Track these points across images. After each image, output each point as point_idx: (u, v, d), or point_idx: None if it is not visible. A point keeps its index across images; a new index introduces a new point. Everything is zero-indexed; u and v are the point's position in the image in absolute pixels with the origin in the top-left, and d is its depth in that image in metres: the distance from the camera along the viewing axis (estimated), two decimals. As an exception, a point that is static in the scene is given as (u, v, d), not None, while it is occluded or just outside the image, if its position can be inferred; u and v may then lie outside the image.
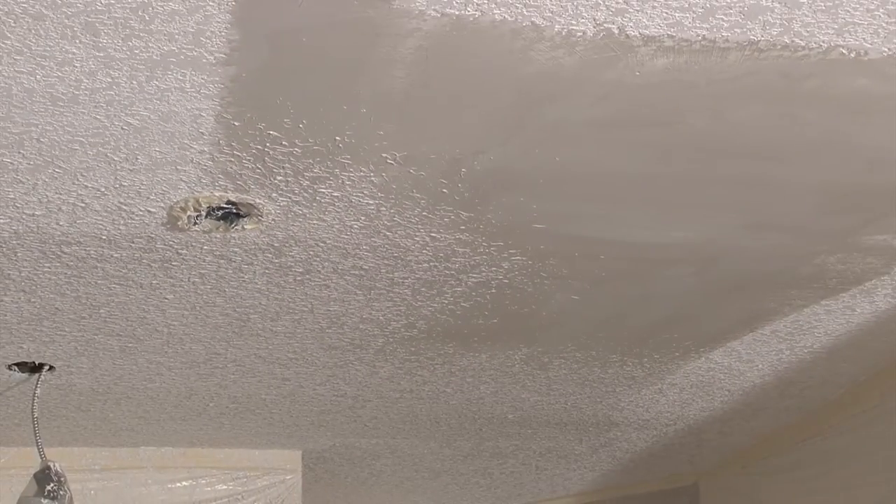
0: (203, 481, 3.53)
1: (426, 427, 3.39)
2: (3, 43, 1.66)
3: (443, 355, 2.92)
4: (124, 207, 2.11)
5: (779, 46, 1.75)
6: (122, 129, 1.88)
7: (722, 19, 1.69)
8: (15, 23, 1.61)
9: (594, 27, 1.68)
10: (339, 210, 2.16)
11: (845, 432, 3.28)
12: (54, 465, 2.91)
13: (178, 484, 3.51)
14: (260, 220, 2.18)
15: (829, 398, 3.34)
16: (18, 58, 1.69)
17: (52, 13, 1.60)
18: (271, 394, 3.09)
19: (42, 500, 2.87)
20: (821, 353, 3.01)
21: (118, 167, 1.99)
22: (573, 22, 1.67)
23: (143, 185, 2.04)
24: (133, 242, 2.24)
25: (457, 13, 1.63)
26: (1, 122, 1.84)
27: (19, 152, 1.93)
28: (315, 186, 2.08)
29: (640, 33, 1.70)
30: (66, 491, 2.90)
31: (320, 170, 2.03)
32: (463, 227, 2.27)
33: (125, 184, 2.04)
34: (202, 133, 1.90)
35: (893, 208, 2.27)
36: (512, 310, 2.68)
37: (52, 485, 2.89)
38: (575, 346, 2.90)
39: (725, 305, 2.71)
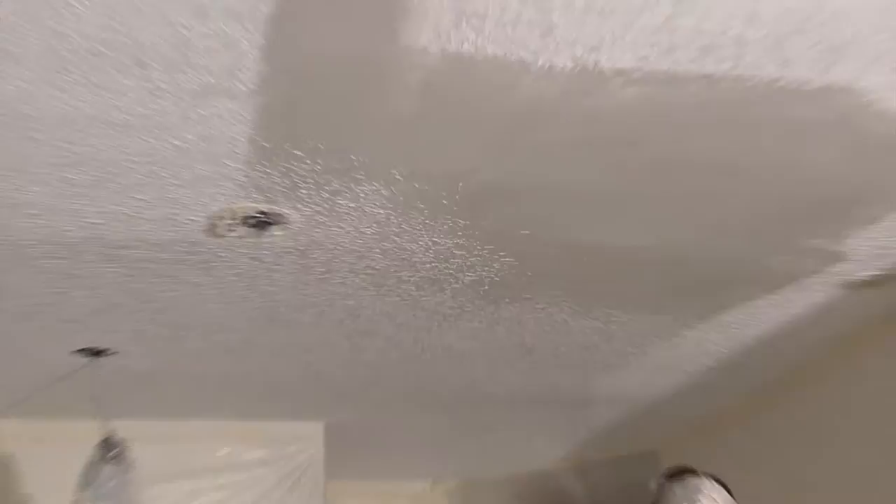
0: (241, 448, 3.57)
1: (429, 404, 3.43)
2: (68, 76, 1.65)
3: (443, 343, 2.92)
4: (171, 217, 2.11)
5: (731, 78, 1.74)
6: (169, 150, 1.87)
7: (682, 55, 1.68)
8: (77, 59, 1.60)
9: (573, 61, 1.67)
10: (354, 219, 2.16)
11: (785, 409, 3.30)
12: (116, 435, 2.92)
13: (221, 451, 3.55)
14: (287, 227, 2.17)
15: (771, 379, 3.37)
16: (81, 89, 1.68)
17: (107, 50, 1.59)
18: (298, 375, 3.11)
19: (106, 465, 2.89)
20: (764, 340, 3.02)
21: (166, 182, 1.98)
22: (555, 57, 1.66)
23: (187, 197, 2.04)
24: (179, 246, 2.24)
25: (455, 50, 1.62)
26: (66, 144, 1.83)
27: (82, 170, 1.92)
28: (334, 199, 2.07)
29: (612, 67, 1.69)
30: (127, 457, 2.92)
31: (338, 184, 2.02)
32: (460, 233, 2.26)
33: (172, 196, 2.03)
34: (237, 153, 1.89)
35: (827, 218, 2.28)
36: (502, 304, 2.68)
37: (114, 451, 2.91)
38: (557, 335, 2.90)
39: (686, 301, 2.72)
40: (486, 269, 2.45)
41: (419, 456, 4.08)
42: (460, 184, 2.05)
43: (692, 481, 2.14)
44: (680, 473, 2.19)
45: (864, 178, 2.10)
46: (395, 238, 2.25)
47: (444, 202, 2.11)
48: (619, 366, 3.17)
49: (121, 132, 1.79)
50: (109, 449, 2.92)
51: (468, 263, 2.41)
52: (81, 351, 2.80)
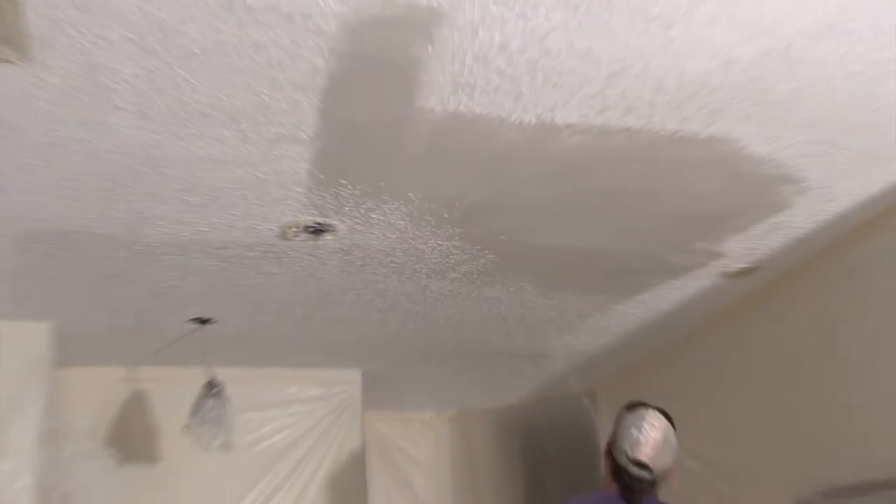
0: (304, 387, 3.53)
1: (435, 357, 3.41)
2: (186, 129, 1.65)
3: (445, 314, 2.90)
4: (254, 226, 2.11)
5: (645, 131, 1.74)
6: (253, 179, 1.87)
7: (611, 114, 1.68)
8: (192, 117, 1.62)
9: (535, 118, 1.67)
10: (383, 228, 2.15)
11: (683, 360, 3.28)
12: (216, 378, 2.92)
13: (289, 389, 3.51)
14: (335, 233, 2.17)
15: (673, 339, 3.33)
16: (194, 138, 1.69)
17: (213, 111, 1.60)
18: (342, 337, 3.09)
19: (209, 399, 2.88)
20: (668, 312, 3.00)
21: (252, 202, 1.98)
22: (523, 115, 1.67)
23: (266, 213, 2.04)
24: (260, 247, 2.23)
25: (453, 110, 1.63)
26: (184, 176, 1.83)
27: (194, 194, 1.92)
28: (368, 213, 2.07)
29: (563, 122, 1.70)
30: (225, 394, 2.91)
31: (371, 203, 2.02)
32: (456, 238, 2.25)
33: (255, 212, 2.03)
34: (300, 181, 1.89)
35: (711, 227, 2.26)
36: (486, 288, 2.67)
37: (216, 389, 2.90)
38: (524, 309, 2.88)
39: (614, 285, 2.70)
40: (475, 263, 2.44)
41: (427, 393, 4.06)
42: (456, 203, 2.04)
43: (640, 411, 1.99)
44: (634, 406, 2.04)
45: (736, 200, 2.09)
46: (411, 241, 2.25)
47: (446, 216, 2.11)
48: (568, 330, 3.15)
49: (221, 167, 1.80)
50: (212, 388, 2.91)
51: (462, 259, 2.40)
52: (193, 320, 2.79)
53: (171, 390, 3.14)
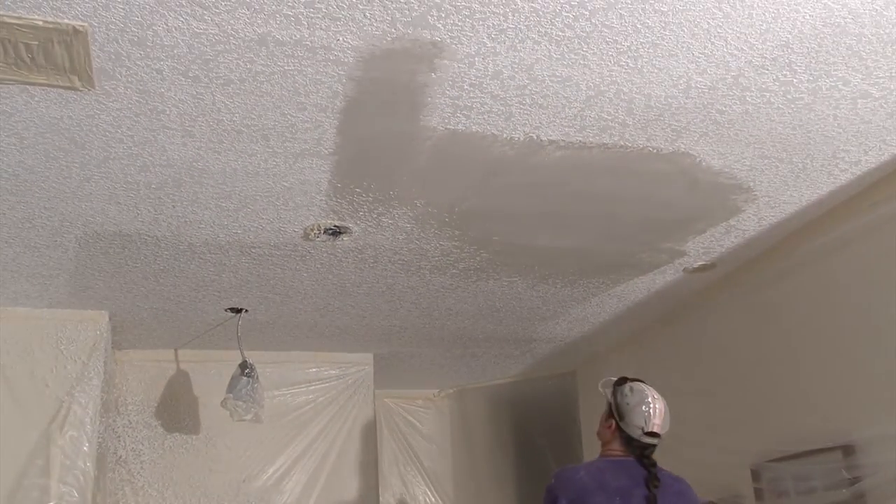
0: (323, 368, 3.49)
1: (437, 342, 3.39)
2: (222, 145, 1.67)
3: (445, 305, 2.90)
4: (281, 228, 2.12)
5: (618, 146, 1.76)
6: (281, 188, 1.88)
7: (589, 132, 1.70)
8: (228, 135, 1.63)
9: (524, 135, 1.69)
10: (392, 230, 2.16)
11: (651, 344, 3.28)
12: (249, 360, 2.91)
13: (311, 369, 3.48)
14: (351, 235, 2.18)
15: (642, 326, 3.32)
16: (229, 153, 1.70)
17: (246, 129, 1.62)
18: (357, 325, 3.08)
19: (243, 378, 2.86)
20: (638, 302, 2.99)
21: (279, 208, 1.99)
22: (513, 132, 1.68)
23: (291, 217, 2.05)
24: (286, 246, 2.24)
25: (452, 127, 1.64)
26: (221, 185, 1.85)
27: (230, 200, 1.94)
28: (379, 218, 2.08)
29: (547, 138, 1.71)
30: (256, 373, 2.90)
31: (382, 209, 2.03)
32: (455, 240, 2.26)
33: (282, 216, 2.04)
34: (321, 189, 1.90)
35: (674, 230, 2.27)
36: (481, 282, 2.67)
37: (248, 370, 2.88)
38: (514, 300, 2.88)
39: (592, 280, 2.70)
40: (471, 260, 2.44)
41: (430, 373, 4.05)
42: (455, 208, 2.05)
43: (637, 387, 1.91)
44: (623, 381, 1.95)
45: (695, 206, 2.10)
46: (416, 241, 2.25)
47: (446, 219, 2.12)
48: (552, 319, 3.15)
49: (252, 178, 1.82)
50: (245, 368, 2.89)
51: (460, 257, 2.41)
52: (229, 309, 2.79)
53: (210, 370, 3.15)
